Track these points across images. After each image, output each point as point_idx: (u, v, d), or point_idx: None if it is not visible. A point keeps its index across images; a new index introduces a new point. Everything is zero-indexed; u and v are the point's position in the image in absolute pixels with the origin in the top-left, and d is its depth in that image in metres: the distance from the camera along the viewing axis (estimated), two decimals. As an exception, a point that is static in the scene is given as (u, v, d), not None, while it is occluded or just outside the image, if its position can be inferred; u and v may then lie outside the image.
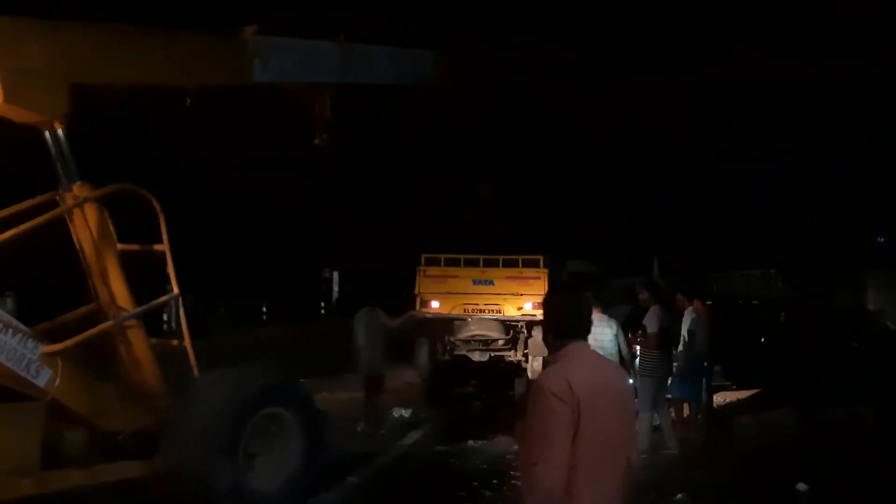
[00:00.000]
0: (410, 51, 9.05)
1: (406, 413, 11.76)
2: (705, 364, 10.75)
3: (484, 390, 13.97)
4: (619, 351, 9.96)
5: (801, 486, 7.55)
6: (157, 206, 6.87)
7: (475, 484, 8.23)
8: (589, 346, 3.33)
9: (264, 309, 32.83)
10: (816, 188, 21.38)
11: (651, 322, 9.30)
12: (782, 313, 14.32)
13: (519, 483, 3.37)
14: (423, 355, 13.31)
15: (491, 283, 13.29)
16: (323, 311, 40.43)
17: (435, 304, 13.14)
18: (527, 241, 16.21)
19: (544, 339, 3.47)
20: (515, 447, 3.32)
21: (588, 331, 3.36)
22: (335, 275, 42.28)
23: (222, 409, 6.24)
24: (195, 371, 6.94)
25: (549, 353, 3.36)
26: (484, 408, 12.82)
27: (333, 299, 41.97)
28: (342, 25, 8.22)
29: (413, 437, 10.31)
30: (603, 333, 10.17)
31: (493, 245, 15.61)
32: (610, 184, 22.08)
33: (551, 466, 3.03)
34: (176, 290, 6.95)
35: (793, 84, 19.14)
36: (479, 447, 10.02)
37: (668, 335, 9.34)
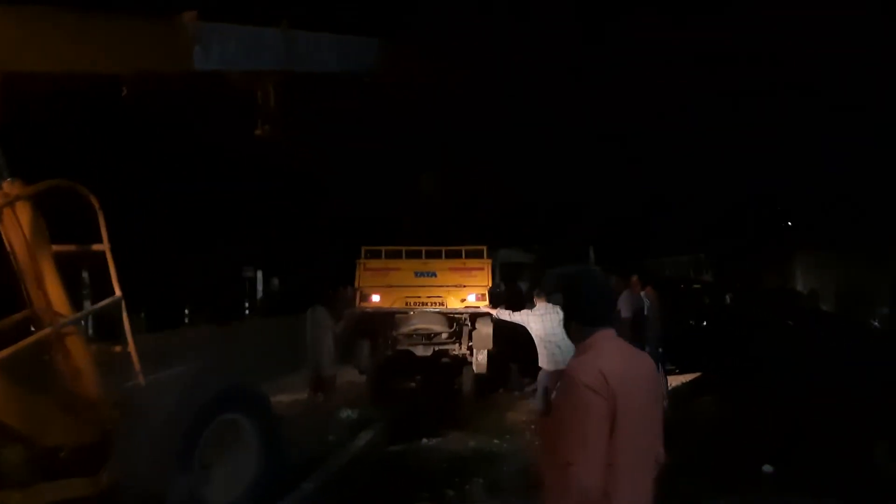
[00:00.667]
0: (356, 38, 8.73)
1: (353, 413, 11.43)
2: (660, 350, 10.77)
3: (428, 386, 13.73)
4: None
5: (767, 468, 7.61)
6: (96, 203, 6.40)
7: (436, 483, 8.01)
8: (615, 333, 3.11)
9: (186, 311, 31.85)
10: (740, 172, 21.77)
11: (624, 307, 9.25)
12: (728, 296, 14.48)
13: (544, 484, 3.12)
14: (363, 352, 12.93)
15: (433, 274, 12.92)
16: (247, 312, 39.64)
17: (376, 298, 12.72)
18: (459, 231, 16.06)
19: (566, 327, 3.23)
20: (536, 446, 3.03)
21: (614, 318, 3.14)
22: (258, 273, 41.48)
23: (176, 416, 5.85)
24: (141, 378, 6.52)
25: (574, 343, 3.13)
26: (430, 404, 12.55)
27: (257, 299, 41.21)
28: (286, 10, 7.82)
29: (364, 437, 9.98)
30: (560, 325, 10.05)
31: (428, 236, 15.38)
32: (543, 172, 22.08)
33: (590, 466, 2.80)
34: (118, 292, 6.50)
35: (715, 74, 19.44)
36: (433, 445, 9.80)
37: (640, 319, 9.31)
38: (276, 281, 44.06)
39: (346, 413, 11.50)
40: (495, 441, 9.93)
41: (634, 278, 10.78)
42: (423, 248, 13.30)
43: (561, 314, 9.01)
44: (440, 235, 15.39)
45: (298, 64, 7.84)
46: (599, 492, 2.81)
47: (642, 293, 10.46)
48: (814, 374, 9.43)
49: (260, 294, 41.83)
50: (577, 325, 3.14)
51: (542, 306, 9.89)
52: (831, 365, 9.70)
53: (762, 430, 8.43)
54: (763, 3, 16.71)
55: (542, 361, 9.80)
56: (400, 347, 12.99)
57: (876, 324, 13.61)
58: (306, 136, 11.73)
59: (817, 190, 18.87)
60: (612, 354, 3.01)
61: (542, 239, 21.48)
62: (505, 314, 10.52)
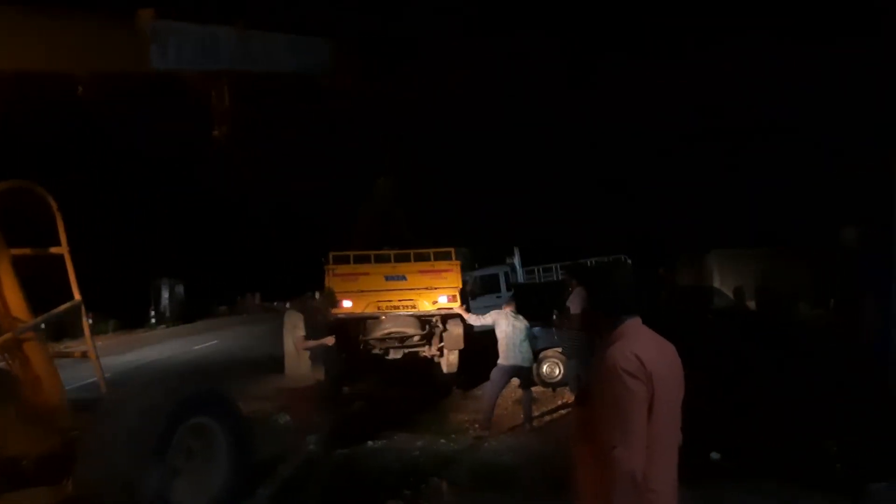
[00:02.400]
0: (310, 38, 8.68)
1: (291, 418, 11.29)
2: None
3: (380, 389, 13.73)
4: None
5: (714, 455, 7.95)
6: (54, 205, 6.22)
7: (391, 484, 8.00)
8: (641, 321, 3.25)
9: (90, 320, 30.56)
10: (656, 177, 22.60)
11: (574, 303, 9.46)
12: (662, 293, 14.94)
13: (579, 471, 3.24)
14: (333, 358, 12.79)
15: (403, 278, 12.93)
16: (153, 320, 38.68)
17: (347, 304, 12.60)
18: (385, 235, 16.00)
19: (590, 317, 3.36)
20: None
21: (643, 306, 3.28)
22: (164, 281, 40.49)
23: (148, 419, 5.68)
24: (102, 385, 6.37)
25: (601, 332, 3.25)
26: (368, 407, 12.52)
27: (162, 306, 40.25)
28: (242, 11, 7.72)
29: (309, 442, 9.86)
30: (523, 330, 10.28)
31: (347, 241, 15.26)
32: (471, 174, 22.36)
33: (633, 447, 2.94)
34: (77, 296, 6.33)
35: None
36: (379, 447, 9.77)
37: None
38: (180, 288, 43.10)
39: (285, 419, 11.37)
40: (442, 441, 10.01)
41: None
42: (392, 252, 13.33)
43: (524, 321, 9.20)
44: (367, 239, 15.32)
45: (254, 64, 7.76)
46: (641, 473, 2.96)
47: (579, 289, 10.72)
48: (743, 365, 9.94)
49: (164, 302, 40.85)
50: (604, 315, 3.27)
51: (510, 311, 10.25)
52: (754, 356, 10.26)
53: (708, 419, 8.79)
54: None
55: (502, 358, 10.07)
56: (373, 352, 13.08)
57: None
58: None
59: (730, 194, 19.70)
60: (645, 341, 3.16)
61: (469, 241, 21.64)
62: (474, 318, 10.68)
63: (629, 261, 20.70)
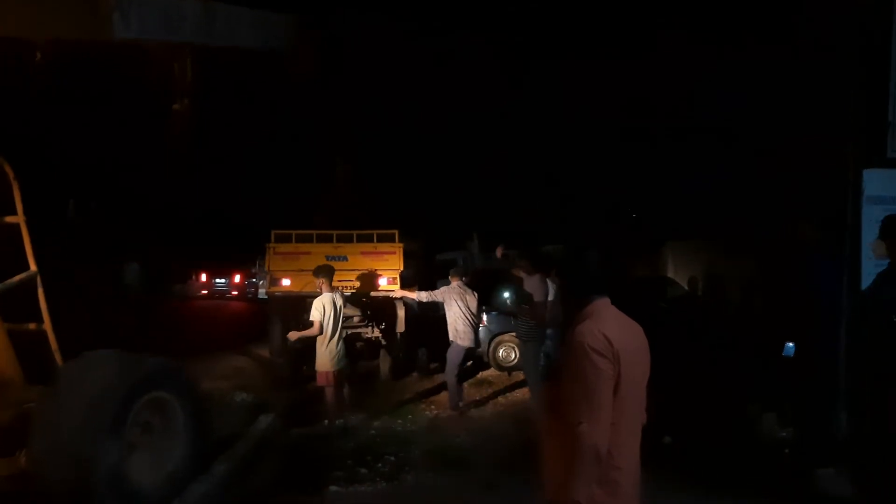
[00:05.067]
0: (271, 15, 8.60)
1: (248, 397, 11.27)
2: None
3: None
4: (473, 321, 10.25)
5: (667, 439, 8.12)
6: (11, 173, 6.10)
7: (349, 462, 8.04)
8: (610, 301, 3.31)
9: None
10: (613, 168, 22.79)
11: (531, 286, 9.54)
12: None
13: (546, 446, 3.30)
14: (276, 336, 12.77)
15: (345, 259, 12.82)
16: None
17: (286, 282, 12.56)
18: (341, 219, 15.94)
19: (562, 298, 3.41)
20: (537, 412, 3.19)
21: (608, 287, 3.34)
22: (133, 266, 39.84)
23: (107, 391, 5.63)
24: (58, 357, 6.29)
25: (571, 311, 3.30)
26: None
27: (124, 284, 39.61)
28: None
29: (264, 421, 9.84)
30: (471, 302, 10.36)
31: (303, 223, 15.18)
32: (427, 160, 22.26)
33: (598, 424, 3.00)
34: (33, 267, 6.23)
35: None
36: (337, 427, 9.78)
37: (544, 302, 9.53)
38: (136, 266, 42.42)
39: (241, 397, 11.33)
40: (399, 421, 10.05)
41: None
42: (335, 233, 13.24)
43: (475, 295, 9.19)
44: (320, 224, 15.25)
45: (217, 37, 7.67)
46: (605, 448, 3.02)
47: (548, 279, 10.80)
48: (692, 352, 10.10)
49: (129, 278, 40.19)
50: (573, 295, 3.33)
51: (457, 285, 10.30)
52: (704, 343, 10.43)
53: (659, 404, 8.94)
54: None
55: (459, 337, 10.14)
56: None
57: None
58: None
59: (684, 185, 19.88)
60: (612, 320, 3.22)
61: (427, 227, 21.59)
62: (424, 295, 10.72)
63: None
